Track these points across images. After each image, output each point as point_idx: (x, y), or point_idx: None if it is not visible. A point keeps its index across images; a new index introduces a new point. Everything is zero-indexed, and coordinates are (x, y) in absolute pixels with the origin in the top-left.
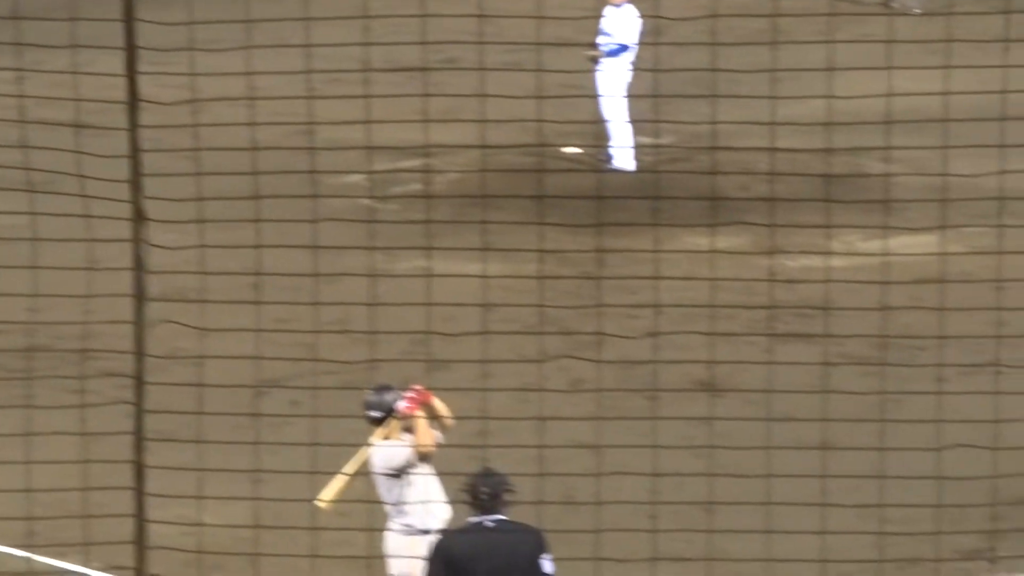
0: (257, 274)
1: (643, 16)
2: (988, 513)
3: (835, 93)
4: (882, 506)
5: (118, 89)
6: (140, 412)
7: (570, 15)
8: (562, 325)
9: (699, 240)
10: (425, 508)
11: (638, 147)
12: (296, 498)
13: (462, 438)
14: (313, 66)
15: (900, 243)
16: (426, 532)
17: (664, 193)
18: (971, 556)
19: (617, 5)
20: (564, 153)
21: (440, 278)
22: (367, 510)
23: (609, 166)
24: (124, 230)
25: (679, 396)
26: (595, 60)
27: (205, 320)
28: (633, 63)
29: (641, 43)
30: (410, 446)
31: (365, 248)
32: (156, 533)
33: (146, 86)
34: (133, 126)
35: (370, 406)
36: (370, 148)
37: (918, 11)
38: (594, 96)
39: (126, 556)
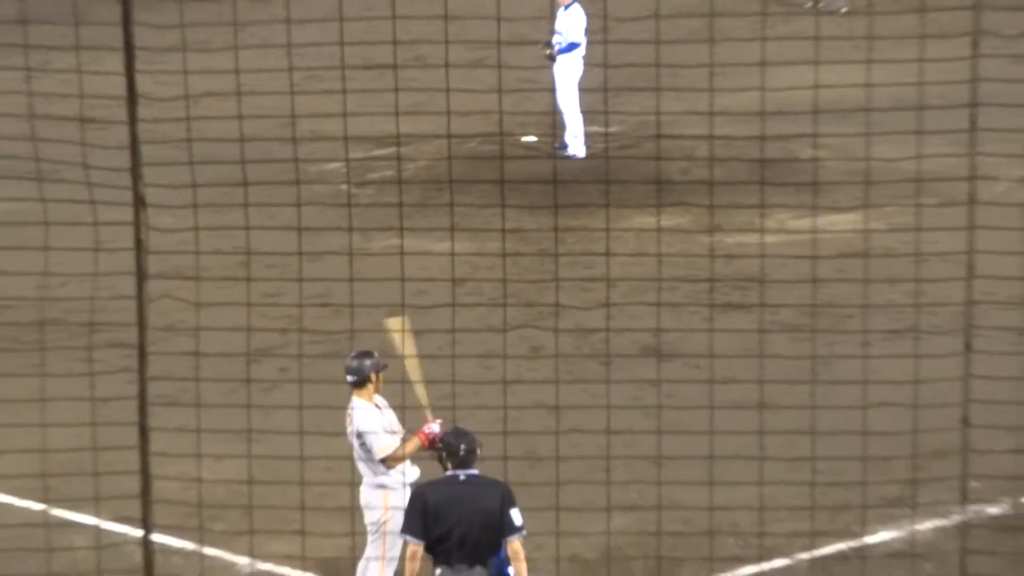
0: (247, 253)
1: (592, 16)
2: (909, 464)
3: (767, 85)
4: (814, 459)
5: (118, 86)
6: (143, 379)
7: (526, 16)
8: (523, 297)
9: (646, 219)
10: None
11: (589, 135)
12: (285, 455)
13: (435, 400)
14: (294, 64)
15: (827, 221)
16: (396, 488)
17: (614, 177)
18: (894, 503)
19: (566, 6)
20: (523, 142)
21: (412, 256)
22: (349, 467)
23: (563, 153)
24: (125, 214)
25: (629, 361)
26: (551, 58)
27: (200, 295)
28: (584, 58)
29: (591, 40)
30: (383, 443)
31: (344, 229)
32: (159, 488)
33: (143, 83)
34: (132, 120)
35: (350, 371)
36: (347, 138)
37: (844, 10)
38: (549, 89)
39: (133, 508)
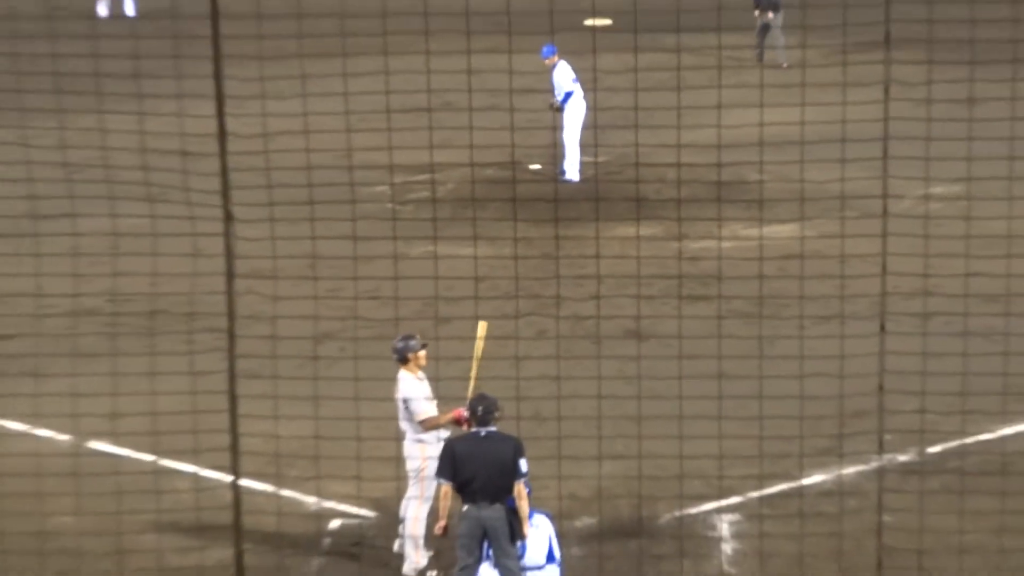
0: (313, 257)
1: (583, 70)
2: (836, 422)
3: (722, 124)
4: (761, 418)
5: (211, 126)
6: (232, 356)
7: (532, 71)
8: (530, 291)
9: (627, 229)
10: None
11: (583, 163)
12: (343, 416)
13: (461, 372)
14: (350, 108)
15: (770, 230)
16: (431, 442)
17: (602, 196)
18: (825, 453)
19: (553, 65)
20: (530, 169)
21: (443, 259)
22: (395, 426)
23: (562, 178)
24: (217, 227)
25: (615, 341)
26: (558, 109)
27: (276, 290)
28: (586, 99)
29: (583, 88)
30: (424, 409)
31: (389, 238)
32: (245, 442)
33: (231, 124)
34: (222, 152)
35: (396, 350)
36: (391, 167)
37: (785, 65)
38: (551, 128)
39: (224, 459)
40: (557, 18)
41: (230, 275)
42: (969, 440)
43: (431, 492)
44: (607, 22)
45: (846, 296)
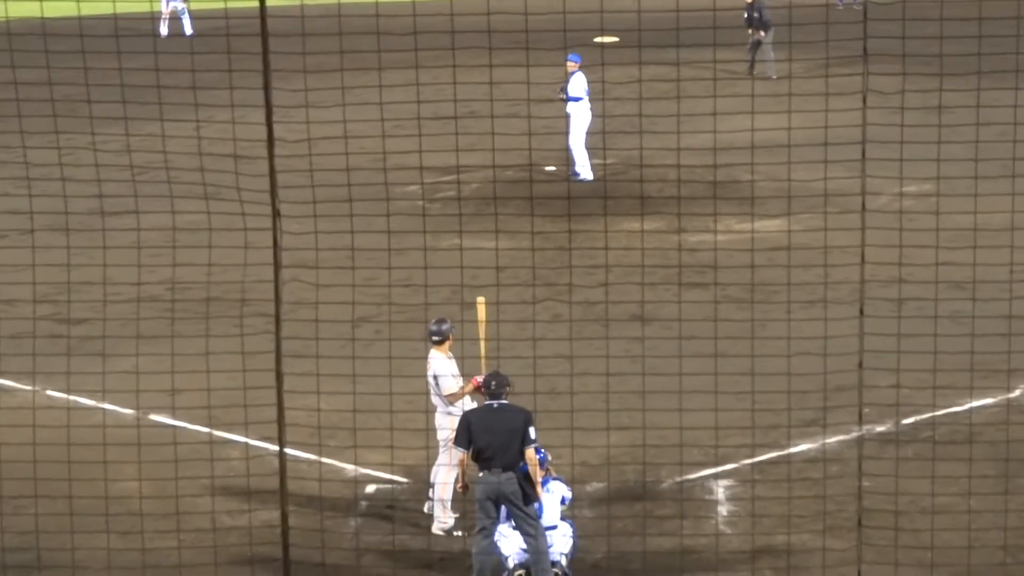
0: (352, 249)
1: (594, 81)
2: (820, 396)
3: (717, 129)
4: (753, 392)
5: (261, 133)
6: (278, 338)
7: (548, 82)
8: (546, 279)
9: (633, 224)
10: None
11: (593, 165)
12: (379, 392)
13: (489, 355)
14: (385, 117)
15: (761, 224)
16: (458, 414)
17: (610, 195)
18: (810, 424)
19: (571, 73)
20: (545, 170)
21: (468, 251)
22: (425, 400)
23: (575, 178)
24: (266, 223)
25: (622, 324)
26: (562, 100)
27: (319, 279)
28: (592, 110)
29: (593, 98)
30: (451, 384)
31: (420, 232)
32: (290, 415)
33: (279, 131)
34: (271, 156)
35: (431, 333)
36: (421, 168)
37: (774, 77)
38: (564, 133)
39: (271, 430)
40: (570, 36)
41: (277, 265)
42: (940, 412)
43: (458, 460)
44: (614, 39)
45: (829, 283)
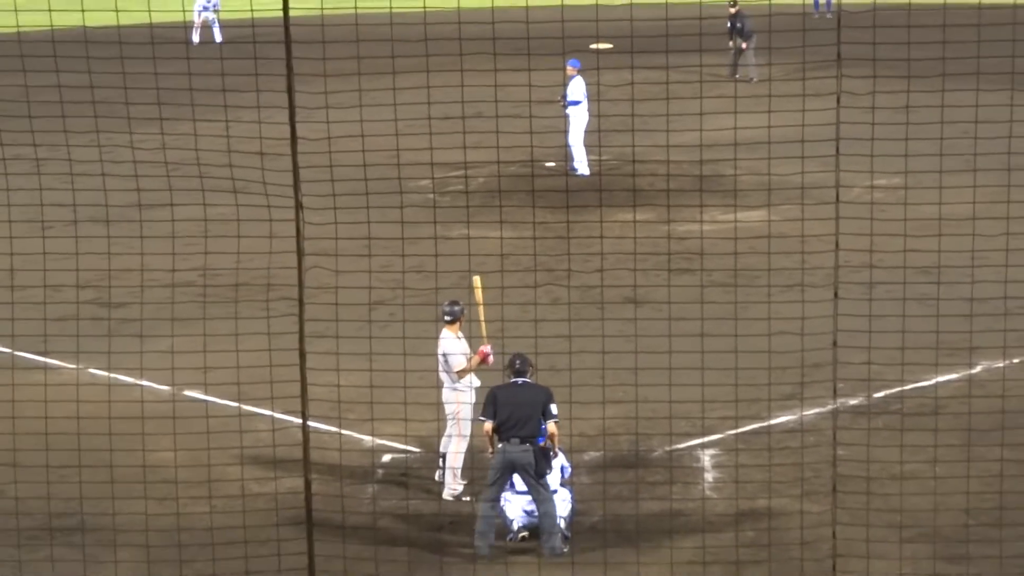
0: (368, 238)
1: (591, 84)
2: (798, 372)
3: (703, 128)
4: (736, 369)
5: (285, 132)
6: (302, 320)
7: (549, 84)
8: (547, 266)
9: (626, 215)
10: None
11: (590, 161)
12: (393, 369)
13: (490, 331)
14: (399, 117)
15: (743, 215)
16: (465, 389)
17: (605, 188)
18: (789, 397)
19: (571, 77)
20: (546, 166)
21: (475, 240)
22: (435, 377)
23: (573, 173)
24: (290, 215)
25: (616, 306)
26: (562, 105)
27: (339, 266)
28: (589, 110)
29: (591, 99)
30: (459, 362)
31: (431, 222)
32: (313, 391)
33: (301, 130)
34: (294, 153)
35: (445, 313)
36: (432, 164)
37: (755, 80)
38: (563, 132)
39: (295, 404)
40: (568, 43)
41: (300, 253)
42: (908, 387)
43: (467, 431)
44: (609, 46)
45: (806, 269)
